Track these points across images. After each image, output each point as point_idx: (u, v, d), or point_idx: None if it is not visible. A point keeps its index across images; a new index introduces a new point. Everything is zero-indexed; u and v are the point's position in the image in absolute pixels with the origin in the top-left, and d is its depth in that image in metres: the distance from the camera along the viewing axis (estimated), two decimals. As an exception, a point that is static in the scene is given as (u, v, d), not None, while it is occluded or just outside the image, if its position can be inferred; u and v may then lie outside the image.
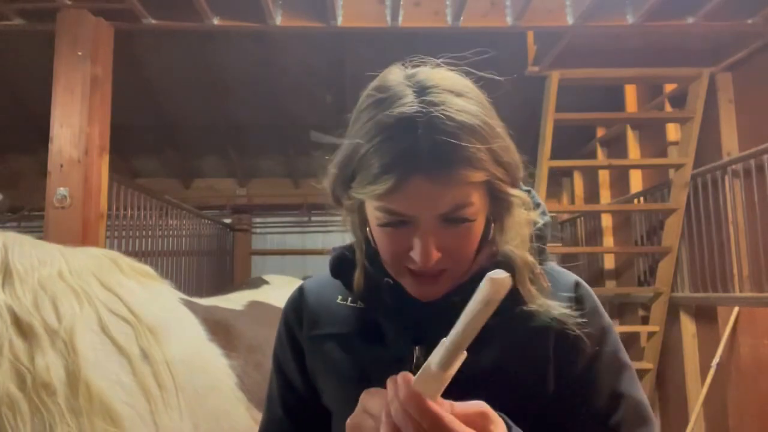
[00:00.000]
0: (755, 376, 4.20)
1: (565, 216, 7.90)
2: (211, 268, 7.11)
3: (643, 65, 5.01)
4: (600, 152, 6.95)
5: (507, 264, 0.86)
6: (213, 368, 1.68)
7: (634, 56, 4.84)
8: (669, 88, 5.54)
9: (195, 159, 7.87)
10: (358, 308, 0.98)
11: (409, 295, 0.91)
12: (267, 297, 2.44)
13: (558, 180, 7.84)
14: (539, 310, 0.88)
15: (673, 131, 5.45)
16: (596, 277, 6.97)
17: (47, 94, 3.74)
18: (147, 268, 1.78)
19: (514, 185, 0.90)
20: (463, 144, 0.79)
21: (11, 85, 6.26)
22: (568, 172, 7.76)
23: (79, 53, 3.74)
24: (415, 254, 0.83)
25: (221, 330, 1.84)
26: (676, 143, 5.35)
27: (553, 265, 0.98)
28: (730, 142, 4.74)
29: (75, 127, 3.68)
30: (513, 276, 0.76)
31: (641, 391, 0.93)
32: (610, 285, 6.58)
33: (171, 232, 5.89)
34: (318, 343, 1.00)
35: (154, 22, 3.97)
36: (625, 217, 6.34)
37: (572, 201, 7.77)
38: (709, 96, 4.87)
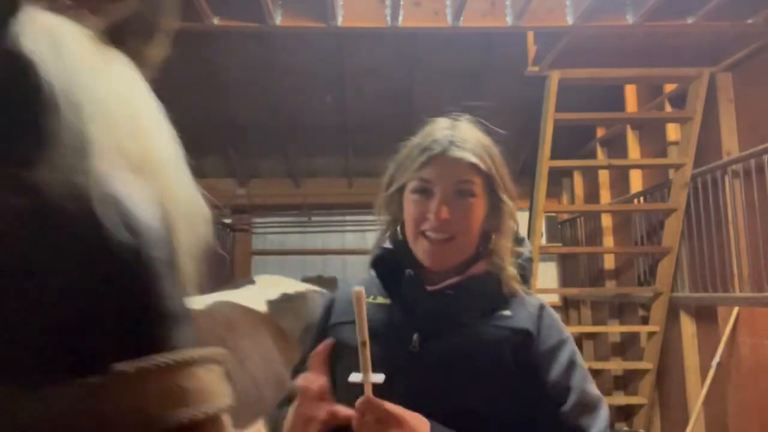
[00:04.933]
0: (755, 376, 4.20)
1: (565, 216, 7.91)
2: (211, 268, 7.10)
3: (643, 65, 5.01)
4: (600, 152, 6.95)
5: (496, 274, 1.17)
6: None
7: (634, 56, 4.84)
8: (669, 88, 5.53)
9: (195, 159, 7.81)
10: (382, 304, 1.21)
11: (419, 287, 1.17)
12: (234, 297, 2.47)
13: (558, 180, 7.84)
14: (511, 316, 1.15)
15: (673, 131, 5.44)
16: (596, 277, 6.97)
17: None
18: None
19: (512, 202, 1.22)
20: (471, 144, 1.18)
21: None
22: (568, 172, 7.76)
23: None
24: (432, 212, 1.13)
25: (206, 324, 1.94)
26: (676, 143, 5.35)
27: (529, 292, 1.23)
28: (730, 142, 4.73)
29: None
30: (500, 284, 1.17)
31: (592, 387, 1.14)
32: (610, 285, 6.58)
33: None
34: (339, 328, 1.21)
35: (154, 22, 3.96)
36: (625, 217, 6.34)
37: (572, 201, 7.76)
38: (709, 96, 4.87)
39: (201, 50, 6.07)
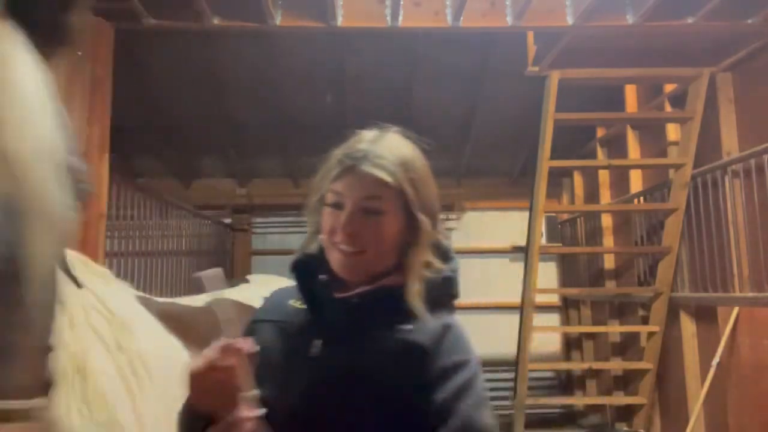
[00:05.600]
0: (755, 376, 4.20)
1: (565, 216, 7.91)
2: (211, 268, 7.10)
3: (643, 65, 5.01)
4: (600, 152, 6.95)
5: (393, 288, 1.16)
6: (177, 358, 1.79)
7: (634, 56, 4.84)
8: (669, 88, 5.53)
9: (195, 159, 7.87)
10: (301, 308, 1.24)
11: (327, 293, 1.19)
12: (231, 294, 2.58)
13: (558, 180, 7.84)
14: (412, 331, 1.13)
15: (673, 131, 5.44)
16: (596, 277, 6.97)
17: (47, 94, 3.74)
18: (107, 271, 1.92)
19: (429, 218, 1.20)
20: (385, 161, 1.17)
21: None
22: (568, 172, 7.76)
23: (79, 53, 3.74)
24: (339, 225, 1.15)
25: (174, 324, 1.98)
26: (676, 143, 5.35)
27: (447, 313, 1.21)
28: (730, 142, 4.73)
29: (75, 128, 3.68)
30: (407, 299, 1.14)
31: (482, 416, 1.09)
32: (610, 285, 6.58)
33: (171, 232, 5.89)
34: (260, 326, 1.26)
35: (154, 22, 3.97)
36: (625, 217, 6.34)
37: (572, 201, 7.76)
38: (709, 96, 4.87)
39: (201, 50, 6.07)
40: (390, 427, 1.08)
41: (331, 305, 1.18)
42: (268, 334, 1.21)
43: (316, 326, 1.18)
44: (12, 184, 0.63)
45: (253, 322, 1.29)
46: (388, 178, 1.15)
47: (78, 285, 1.28)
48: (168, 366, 1.67)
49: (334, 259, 1.18)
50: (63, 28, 0.81)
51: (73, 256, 1.68)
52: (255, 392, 1.03)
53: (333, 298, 1.19)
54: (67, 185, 0.73)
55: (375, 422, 1.08)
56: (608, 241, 6.73)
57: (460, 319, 1.21)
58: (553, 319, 8.11)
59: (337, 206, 1.17)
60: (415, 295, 1.15)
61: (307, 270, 1.24)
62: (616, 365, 6.24)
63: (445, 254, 1.25)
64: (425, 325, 1.14)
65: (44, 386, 0.61)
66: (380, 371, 1.10)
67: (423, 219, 1.19)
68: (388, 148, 1.19)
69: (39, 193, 0.67)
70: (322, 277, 1.20)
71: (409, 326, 1.14)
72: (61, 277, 1.12)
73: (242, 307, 2.39)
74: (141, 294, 2.07)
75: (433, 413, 1.07)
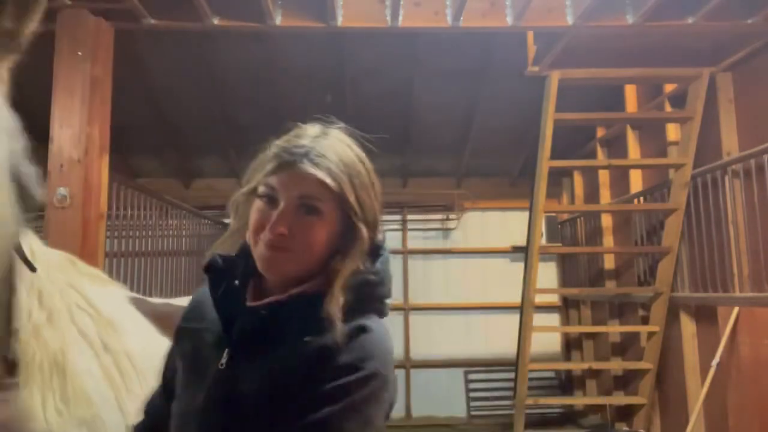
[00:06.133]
0: (755, 376, 4.20)
1: (565, 216, 7.91)
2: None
3: (643, 65, 5.01)
4: (600, 152, 6.95)
5: (310, 296, 1.07)
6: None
7: (634, 56, 4.84)
8: (669, 88, 5.54)
9: (195, 159, 7.87)
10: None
11: (238, 301, 1.12)
12: None
13: (558, 180, 7.84)
14: (324, 339, 1.03)
15: (673, 131, 5.44)
16: (596, 277, 6.97)
17: (47, 94, 3.74)
18: (98, 271, 1.91)
19: (368, 228, 1.12)
20: (327, 161, 1.09)
21: (10, 86, 6.25)
22: (568, 172, 7.76)
23: (79, 53, 3.74)
24: (269, 222, 1.07)
25: (170, 324, 1.96)
26: (676, 143, 5.35)
27: (368, 317, 1.11)
28: (730, 142, 4.73)
29: (75, 128, 3.68)
30: (325, 307, 1.04)
31: (342, 425, 0.99)
32: (610, 285, 6.58)
33: (171, 232, 5.89)
34: (183, 333, 1.21)
35: (154, 22, 3.97)
36: (625, 217, 6.34)
37: (572, 201, 7.77)
38: (709, 96, 4.87)
39: (201, 50, 6.08)
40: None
41: (240, 314, 1.10)
42: (189, 343, 1.16)
43: (225, 336, 1.10)
44: None
45: (178, 329, 1.23)
46: (329, 181, 1.08)
47: (32, 269, 1.26)
48: (158, 366, 1.73)
49: (258, 255, 1.09)
50: (9, 36, 0.79)
51: (62, 257, 1.68)
52: None
53: (244, 307, 1.11)
54: (11, 192, 0.74)
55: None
56: (608, 241, 6.73)
57: (384, 322, 1.13)
58: (553, 319, 8.11)
59: (270, 201, 1.09)
60: (335, 304, 1.05)
61: (224, 272, 1.15)
62: (616, 365, 6.24)
63: (375, 249, 1.15)
64: (336, 333, 1.03)
65: (9, 366, 0.65)
66: (284, 385, 1.02)
67: (361, 228, 1.11)
68: (332, 148, 1.12)
69: None
70: (236, 282, 1.13)
71: (321, 335, 1.04)
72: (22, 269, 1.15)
73: None
74: (135, 295, 2.08)
75: (301, 407, 1.00)
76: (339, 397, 1.00)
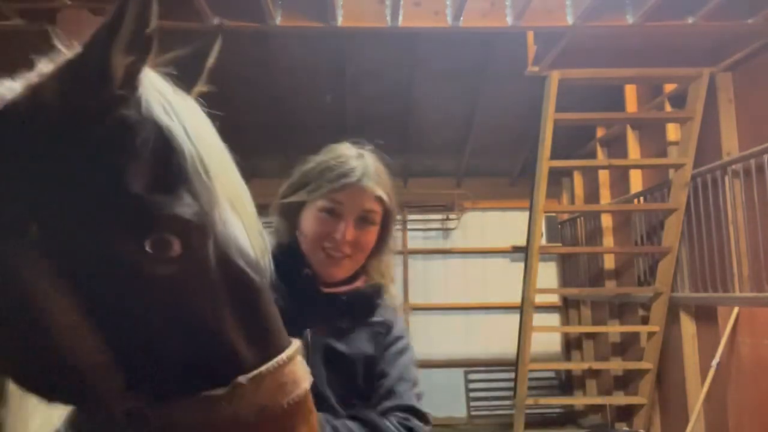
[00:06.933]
0: (755, 376, 4.20)
1: (565, 216, 7.91)
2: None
3: (643, 65, 5.01)
4: (600, 152, 6.95)
5: (373, 288, 1.40)
6: None
7: (634, 56, 4.84)
8: (669, 88, 5.53)
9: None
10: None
11: (312, 290, 1.33)
12: None
13: (558, 180, 7.84)
14: (381, 321, 1.39)
15: (673, 131, 5.44)
16: (596, 277, 6.97)
17: (47, 94, 3.73)
18: None
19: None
20: (380, 179, 1.36)
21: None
22: (568, 172, 7.76)
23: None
24: (338, 233, 1.30)
25: None
26: (676, 143, 5.35)
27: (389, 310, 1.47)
28: (730, 142, 4.73)
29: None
30: (374, 296, 1.39)
31: (411, 393, 1.34)
32: (610, 285, 6.58)
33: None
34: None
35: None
36: (625, 217, 6.34)
37: (572, 201, 7.76)
38: (709, 96, 4.87)
39: (201, 50, 6.06)
40: (355, 402, 1.31)
41: (319, 299, 1.33)
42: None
43: (300, 317, 1.25)
44: (244, 218, 0.81)
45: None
46: (384, 197, 1.35)
47: None
48: None
49: (319, 261, 1.33)
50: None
51: None
52: None
53: (321, 292, 1.34)
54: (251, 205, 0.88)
55: (346, 401, 1.30)
56: (608, 241, 6.73)
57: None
58: (553, 319, 8.11)
59: (333, 214, 1.32)
60: (392, 294, 1.41)
61: (285, 262, 1.30)
62: (616, 365, 6.24)
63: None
64: (387, 313, 1.41)
65: None
66: (359, 360, 1.33)
67: (393, 230, 1.42)
68: (376, 167, 1.37)
69: (250, 219, 0.83)
70: (307, 271, 1.33)
71: (378, 318, 1.38)
72: None
73: None
74: None
75: (379, 373, 1.34)
76: (403, 351, 1.37)
